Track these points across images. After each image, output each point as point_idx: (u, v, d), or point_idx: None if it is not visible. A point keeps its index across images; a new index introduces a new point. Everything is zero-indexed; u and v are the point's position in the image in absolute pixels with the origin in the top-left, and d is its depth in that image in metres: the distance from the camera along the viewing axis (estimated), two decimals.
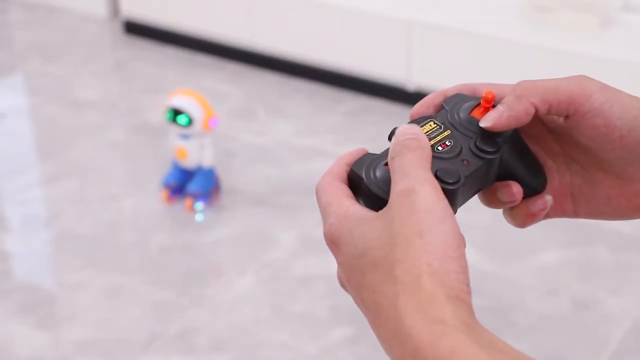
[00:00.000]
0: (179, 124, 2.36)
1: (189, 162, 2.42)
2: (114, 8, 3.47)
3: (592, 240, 2.30)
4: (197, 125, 2.37)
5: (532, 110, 0.61)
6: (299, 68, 3.03)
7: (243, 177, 2.62)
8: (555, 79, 0.62)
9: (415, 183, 0.55)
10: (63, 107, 2.95)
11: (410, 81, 2.85)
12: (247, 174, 2.61)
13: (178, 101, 2.37)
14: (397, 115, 2.82)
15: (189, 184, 2.43)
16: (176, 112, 2.36)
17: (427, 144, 0.58)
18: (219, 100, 2.96)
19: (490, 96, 0.63)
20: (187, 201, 2.42)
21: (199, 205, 2.41)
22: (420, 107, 0.65)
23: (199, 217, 2.41)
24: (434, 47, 2.79)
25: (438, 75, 2.80)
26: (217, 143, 2.74)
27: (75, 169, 2.64)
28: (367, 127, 2.78)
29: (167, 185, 2.45)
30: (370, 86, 2.93)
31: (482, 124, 0.62)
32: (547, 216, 0.66)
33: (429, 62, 2.82)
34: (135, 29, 3.34)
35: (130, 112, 2.92)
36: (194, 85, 3.04)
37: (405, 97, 2.85)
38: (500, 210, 0.67)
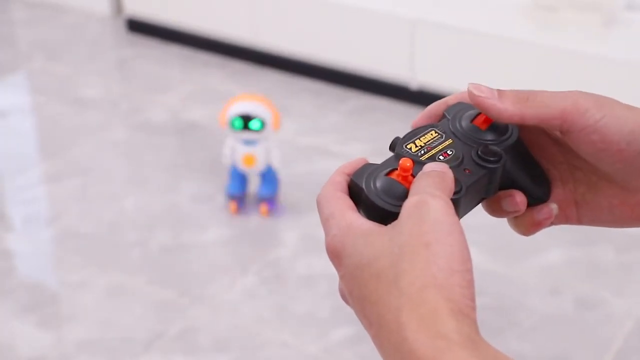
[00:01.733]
0: (251, 130, 2.30)
1: (258, 167, 2.37)
2: (117, 6, 3.47)
3: (596, 240, 2.29)
4: (269, 128, 2.32)
5: (516, 120, 0.60)
6: (302, 67, 3.03)
7: None
8: (552, 93, 0.61)
9: (427, 196, 0.55)
10: (65, 105, 2.94)
11: (414, 80, 2.85)
12: None
13: (246, 107, 2.31)
14: (401, 114, 2.81)
15: (260, 189, 2.39)
16: (245, 119, 2.30)
17: (450, 174, 0.58)
18: (222, 98, 2.95)
19: None
20: (262, 207, 2.38)
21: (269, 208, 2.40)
22: (422, 117, 0.65)
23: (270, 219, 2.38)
24: (438, 46, 2.78)
25: (441, 74, 2.79)
26: (219, 142, 2.74)
27: (78, 167, 2.64)
28: (370, 126, 2.78)
29: (233, 197, 2.39)
30: (374, 85, 2.92)
31: (470, 86, 0.61)
32: (551, 223, 0.65)
33: (433, 60, 2.81)
34: (138, 27, 3.33)
35: (132, 110, 2.92)
36: (197, 84, 3.04)
37: (408, 95, 2.85)
38: None
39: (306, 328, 2.06)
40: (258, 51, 3.10)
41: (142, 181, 2.57)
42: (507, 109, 0.60)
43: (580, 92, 0.61)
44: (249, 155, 2.34)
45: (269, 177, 2.39)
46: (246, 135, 2.32)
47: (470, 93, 0.61)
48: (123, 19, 3.39)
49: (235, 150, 2.36)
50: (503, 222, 0.67)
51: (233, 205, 2.39)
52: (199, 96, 2.99)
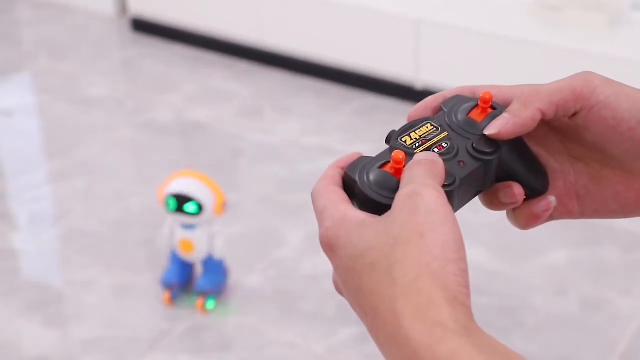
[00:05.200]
0: (186, 213, 2.00)
1: (197, 255, 2.07)
2: (122, 6, 3.47)
3: (602, 240, 2.29)
4: (208, 212, 2.01)
5: (539, 117, 0.60)
6: (307, 66, 3.03)
7: (250, 175, 2.62)
8: (557, 81, 0.61)
9: (419, 187, 0.55)
10: (71, 105, 2.95)
11: (419, 80, 2.84)
12: (255, 173, 2.61)
13: (182, 186, 2.00)
14: (405, 113, 2.79)
15: (198, 280, 2.10)
16: (180, 199, 1.99)
17: (441, 162, 0.58)
18: (226, 98, 2.96)
19: (487, 97, 0.62)
20: (199, 301, 2.09)
21: (212, 304, 2.10)
22: (418, 109, 0.65)
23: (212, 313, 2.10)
24: (442, 46, 2.78)
25: (446, 73, 2.79)
26: (224, 141, 2.74)
27: (83, 166, 2.64)
28: (375, 126, 2.78)
29: (168, 285, 2.09)
30: (379, 85, 2.92)
31: (487, 132, 0.61)
32: (551, 217, 0.65)
33: (437, 60, 2.81)
34: (143, 27, 3.34)
35: (137, 110, 2.92)
36: (202, 84, 3.04)
37: (413, 95, 2.85)
38: None
39: (312, 327, 2.07)
40: (263, 51, 3.10)
41: (147, 180, 2.57)
42: (527, 116, 0.60)
43: (587, 71, 0.61)
44: (186, 240, 2.04)
45: (210, 267, 2.09)
46: (182, 218, 2.01)
47: (493, 136, 0.61)
48: (128, 19, 3.39)
49: (174, 232, 2.06)
50: (508, 223, 0.67)
51: (167, 296, 2.10)
52: (203, 96, 2.99)
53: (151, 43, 3.28)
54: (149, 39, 3.30)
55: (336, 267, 0.57)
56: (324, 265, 2.21)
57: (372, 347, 2.03)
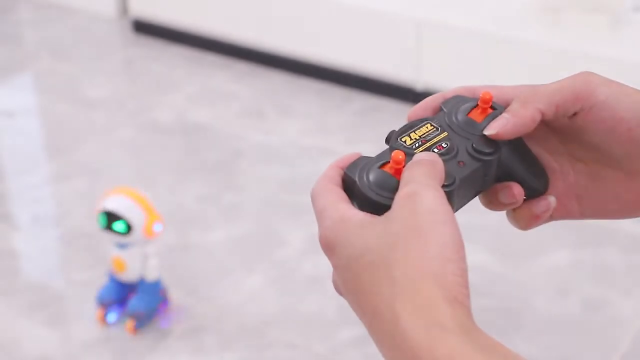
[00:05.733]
0: (115, 232, 1.95)
1: (129, 275, 2.02)
2: (123, 7, 3.47)
3: (603, 241, 2.29)
4: (138, 232, 1.95)
5: (538, 117, 0.60)
6: (308, 67, 3.03)
7: (251, 176, 2.62)
8: (557, 81, 0.61)
9: (419, 187, 0.55)
10: (72, 105, 2.95)
11: (419, 81, 2.84)
12: (256, 173, 2.61)
13: (113, 203, 1.94)
14: (406, 114, 2.80)
15: (130, 300, 2.03)
16: (111, 217, 1.94)
17: (440, 163, 0.58)
18: (227, 99, 2.96)
19: (487, 97, 0.62)
20: (129, 323, 2.03)
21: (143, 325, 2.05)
22: (418, 109, 0.65)
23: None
24: (443, 47, 2.78)
25: (447, 74, 2.79)
26: (225, 142, 2.74)
27: (84, 167, 2.64)
28: (375, 127, 2.78)
29: (101, 302, 2.04)
30: (379, 86, 2.92)
31: (486, 132, 0.61)
32: (551, 218, 0.65)
33: (438, 61, 2.81)
34: (144, 28, 3.34)
35: (139, 111, 2.92)
36: (203, 85, 3.04)
37: (414, 96, 2.84)
38: None
39: (313, 328, 2.06)
40: (263, 52, 3.10)
41: (148, 181, 2.57)
42: (526, 116, 0.60)
43: (587, 72, 0.61)
44: (118, 259, 2.00)
45: (144, 289, 2.03)
46: (112, 236, 1.96)
47: (492, 136, 0.61)
48: (129, 19, 3.40)
49: (109, 251, 2.03)
50: (509, 224, 0.67)
51: (100, 313, 2.05)
52: (204, 96, 2.99)
53: (152, 44, 3.28)
54: (150, 40, 3.30)
55: (335, 267, 0.57)
56: (325, 266, 2.21)
57: (373, 348, 2.02)
